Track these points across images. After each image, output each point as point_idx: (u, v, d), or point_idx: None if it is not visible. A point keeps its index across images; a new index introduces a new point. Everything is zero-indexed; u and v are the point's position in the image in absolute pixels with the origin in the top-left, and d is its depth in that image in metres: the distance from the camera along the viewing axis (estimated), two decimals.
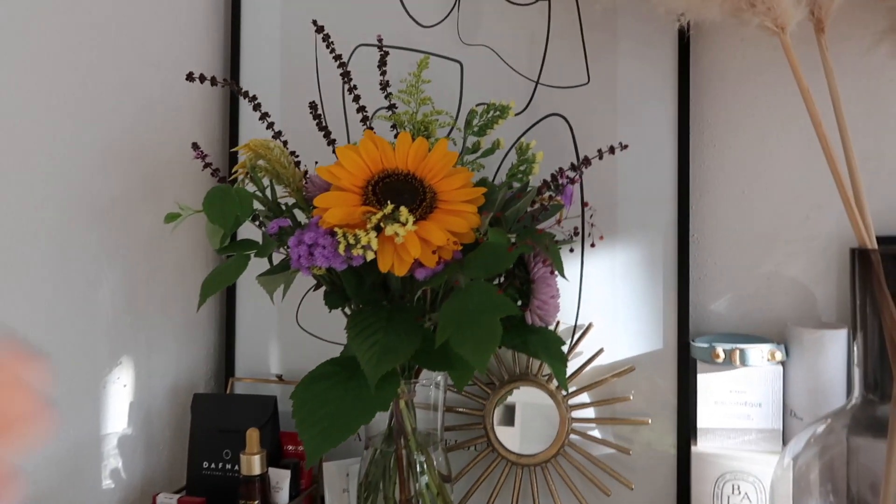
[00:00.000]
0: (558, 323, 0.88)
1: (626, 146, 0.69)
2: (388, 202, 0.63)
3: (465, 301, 0.60)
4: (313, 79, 0.97)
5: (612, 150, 0.68)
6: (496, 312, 0.59)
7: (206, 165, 0.77)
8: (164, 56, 0.92)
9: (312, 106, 0.78)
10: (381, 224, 0.62)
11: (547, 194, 0.68)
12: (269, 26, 1.00)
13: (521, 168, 0.74)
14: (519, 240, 0.63)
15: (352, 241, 0.61)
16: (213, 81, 0.75)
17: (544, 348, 0.65)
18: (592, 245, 0.77)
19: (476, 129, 0.76)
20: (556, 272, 0.65)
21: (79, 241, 0.80)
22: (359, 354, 0.62)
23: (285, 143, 0.76)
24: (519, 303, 0.69)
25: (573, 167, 0.68)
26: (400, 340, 0.64)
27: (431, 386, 0.79)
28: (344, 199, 0.65)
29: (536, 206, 0.68)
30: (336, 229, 0.62)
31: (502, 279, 0.70)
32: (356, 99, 0.78)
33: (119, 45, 0.85)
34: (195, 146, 0.76)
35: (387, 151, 0.69)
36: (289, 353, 1.00)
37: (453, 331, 0.60)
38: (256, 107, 0.76)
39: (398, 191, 0.66)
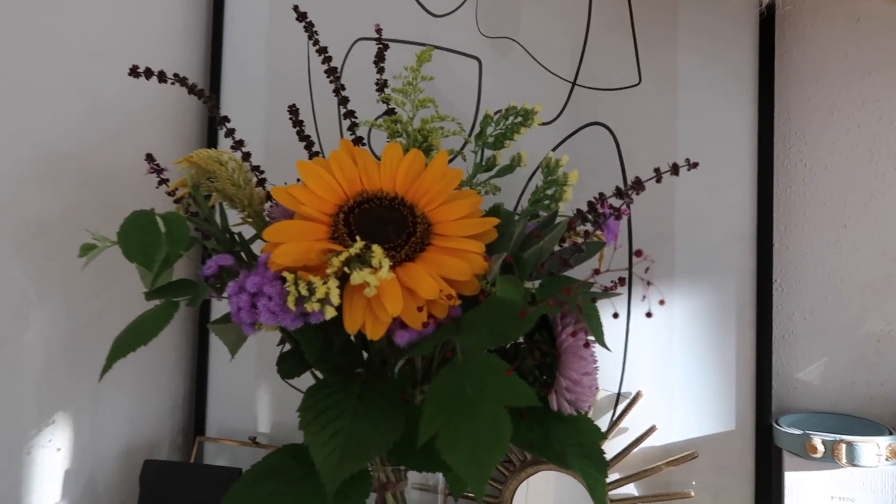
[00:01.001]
0: (597, 390, 0.69)
1: (695, 164, 0.50)
2: (361, 237, 0.46)
3: (460, 381, 0.42)
4: (305, 80, 0.81)
5: (675, 169, 0.49)
6: (504, 400, 0.41)
7: (162, 182, 0.61)
8: (121, 49, 0.76)
9: (293, 111, 0.62)
10: (347, 268, 0.44)
11: (582, 229, 0.49)
12: (256, 19, 0.84)
13: (549, 192, 0.55)
14: (541, 294, 0.44)
15: (304, 292, 0.44)
16: (162, 77, 0.59)
17: (575, 447, 0.46)
18: (649, 315, 0.58)
19: (491, 139, 0.58)
20: (594, 341, 0.46)
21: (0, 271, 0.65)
22: (314, 450, 0.44)
23: (247, 154, 0.59)
24: (543, 377, 0.50)
25: (619, 192, 0.49)
26: (374, 428, 0.46)
27: None
28: (304, 231, 0.48)
29: (566, 244, 0.50)
30: (286, 274, 0.45)
31: (519, 343, 0.52)
32: (343, 102, 0.61)
33: (63, 33, 0.70)
34: (149, 158, 0.61)
35: (369, 168, 0.52)
36: (273, 407, 0.83)
37: (443, 424, 0.41)
38: (212, 108, 0.60)
39: (379, 221, 0.49)
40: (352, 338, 0.51)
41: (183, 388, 0.87)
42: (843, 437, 0.57)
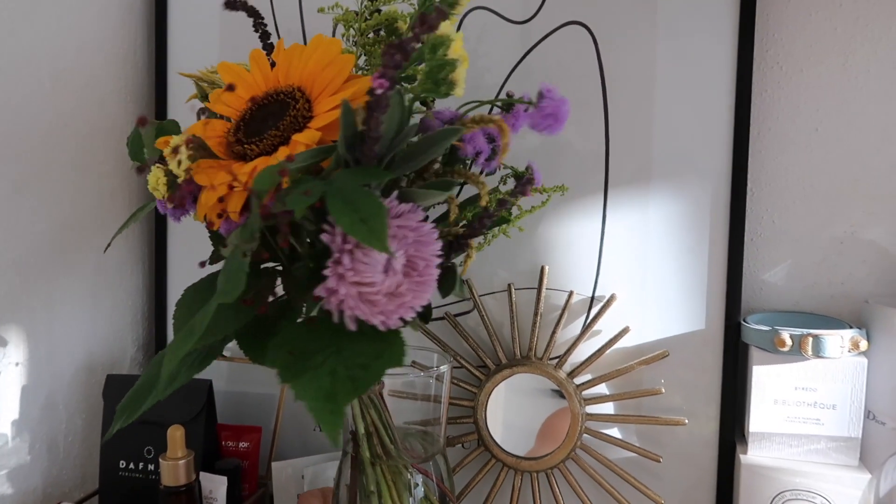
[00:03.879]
0: (571, 294, 0.70)
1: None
2: (245, 133, 0.44)
3: (216, 278, 0.40)
4: None
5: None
6: (218, 297, 0.38)
7: None
8: None
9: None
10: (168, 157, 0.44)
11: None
12: None
13: (441, 76, 0.45)
14: (304, 185, 0.39)
15: (153, 182, 0.45)
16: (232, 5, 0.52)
17: (357, 369, 0.39)
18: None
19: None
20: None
21: None
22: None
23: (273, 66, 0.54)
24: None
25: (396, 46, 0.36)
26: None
27: (432, 379, 0.57)
28: (208, 128, 0.46)
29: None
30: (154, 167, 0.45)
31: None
32: None
33: None
34: None
35: (292, 63, 0.48)
36: None
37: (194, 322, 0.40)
38: (258, 25, 0.53)
39: (264, 117, 0.45)
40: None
41: (141, 305, 0.83)
42: (810, 330, 0.60)
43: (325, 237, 0.39)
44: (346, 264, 0.39)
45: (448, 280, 0.46)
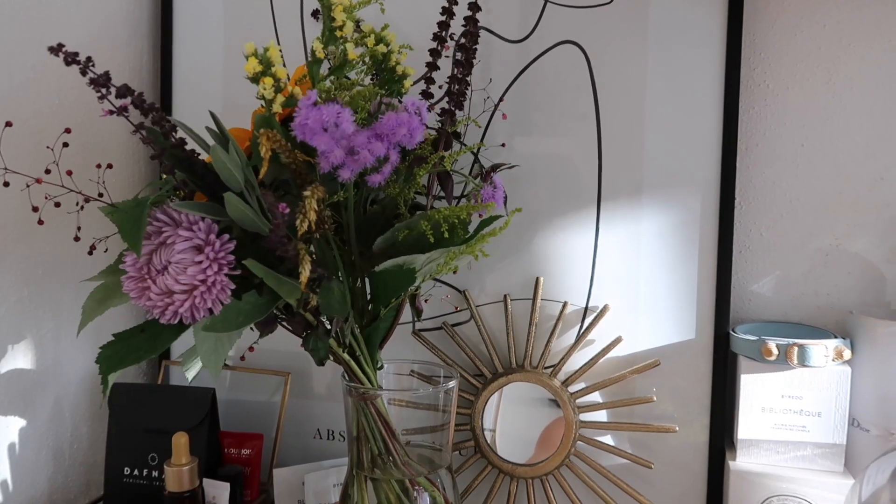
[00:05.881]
0: (565, 305, 0.71)
1: None
2: None
3: None
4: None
5: None
6: None
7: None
8: None
9: None
10: None
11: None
12: None
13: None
14: None
15: None
16: None
17: (124, 349, 0.51)
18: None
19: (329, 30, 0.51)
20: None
21: None
22: None
23: None
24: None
25: None
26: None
27: (441, 391, 0.57)
28: None
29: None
30: None
31: None
32: None
33: None
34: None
35: None
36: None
37: None
38: None
39: None
40: None
41: (144, 315, 0.85)
42: (795, 340, 0.62)
43: None
44: (128, 262, 0.48)
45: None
